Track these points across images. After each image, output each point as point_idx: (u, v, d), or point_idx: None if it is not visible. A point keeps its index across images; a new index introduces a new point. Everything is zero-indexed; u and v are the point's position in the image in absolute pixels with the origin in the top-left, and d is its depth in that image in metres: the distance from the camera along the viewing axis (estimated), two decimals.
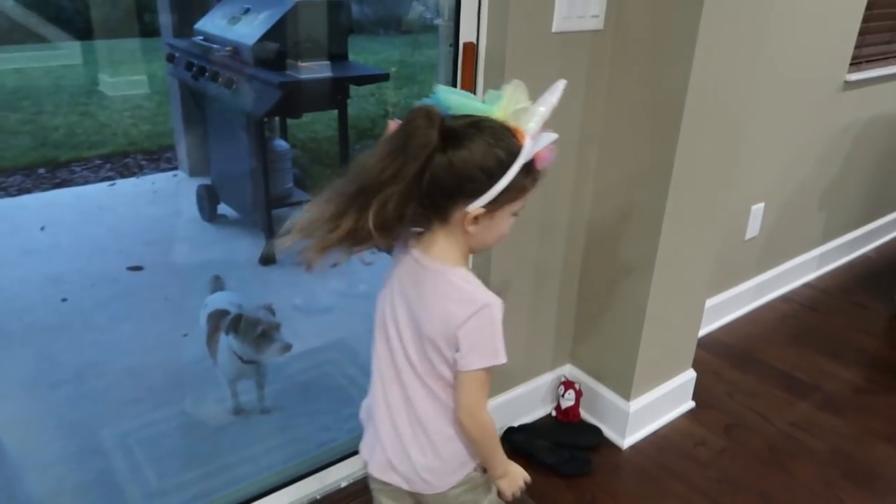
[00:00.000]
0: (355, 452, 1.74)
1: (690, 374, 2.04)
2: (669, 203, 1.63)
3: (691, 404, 2.08)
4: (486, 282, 1.55)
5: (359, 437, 1.76)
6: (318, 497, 1.67)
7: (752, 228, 2.43)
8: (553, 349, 1.94)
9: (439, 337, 1.02)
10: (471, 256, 1.09)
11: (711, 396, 2.13)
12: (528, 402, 1.95)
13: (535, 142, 0.96)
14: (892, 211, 3.24)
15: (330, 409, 2.00)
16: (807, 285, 2.85)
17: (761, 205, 2.41)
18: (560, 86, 0.98)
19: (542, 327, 1.88)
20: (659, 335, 1.82)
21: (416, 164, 0.92)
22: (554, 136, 0.99)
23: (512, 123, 0.96)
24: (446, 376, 1.05)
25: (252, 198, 2.87)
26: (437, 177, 0.94)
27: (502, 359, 1.02)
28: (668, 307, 1.81)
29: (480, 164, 0.94)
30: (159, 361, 2.11)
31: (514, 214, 1.02)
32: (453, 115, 0.97)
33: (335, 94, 2.77)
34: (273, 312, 1.94)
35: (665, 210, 1.63)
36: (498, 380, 1.86)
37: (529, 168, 0.97)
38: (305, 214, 0.96)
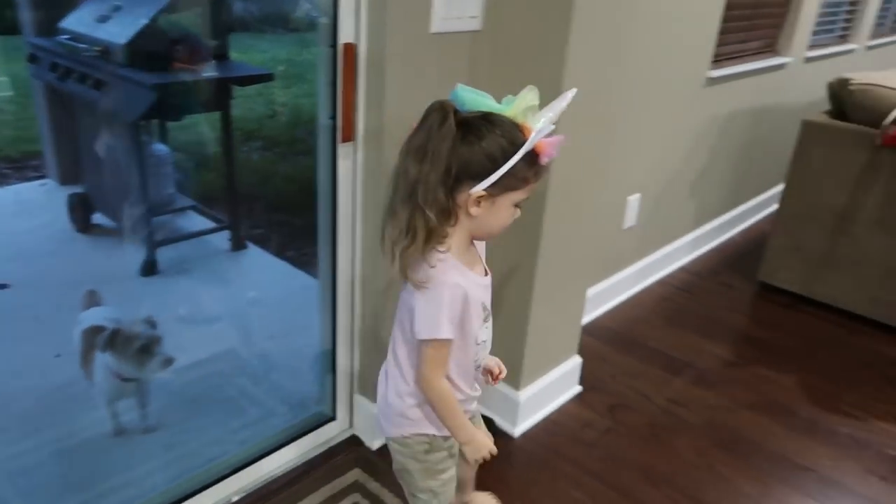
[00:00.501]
0: (249, 464, 1.71)
1: (577, 361, 2.13)
2: (549, 198, 1.69)
3: (578, 388, 2.17)
4: (378, 273, 1.54)
5: (251, 449, 1.72)
6: None
7: (630, 218, 2.56)
8: None
9: (405, 305, 1.18)
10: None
11: (597, 380, 2.24)
12: None
13: (537, 135, 1.06)
14: (753, 197, 3.51)
15: (219, 422, 1.94)
16: (681, 269, 3.04)
17: (637, 195, 2.55)
18: (569, 94, 1.10)
19: None
20: (545, 325, 1.89)
21: (442, 153, 1.03)
22: (553, 131, 1.08)
23: (520, 120, 1.08)
24: (410, 342, 1.19)
25: (130, 205, 2.73)
26: (450, 161, 1.04)
27: (442, 334, 1.12)
28: (552, 298, 1.88)
29: (486, 150, 1.06)
30: (29, 386, 1.97)
31: (517, 206, 1.12)
32: (468, 111, 1.08)
33: (216, 95, 2.68)
34: (154, 325, 1.85)
35: (545, 206, 1.69)
36: None
37: (533, 161, 1.08)
38: (387, 236, 1.11)
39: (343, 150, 1.58)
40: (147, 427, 1.91)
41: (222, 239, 2.78)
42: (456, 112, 1.05)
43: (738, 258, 3.17)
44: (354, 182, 1.63)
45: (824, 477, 1.88)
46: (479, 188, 1.07)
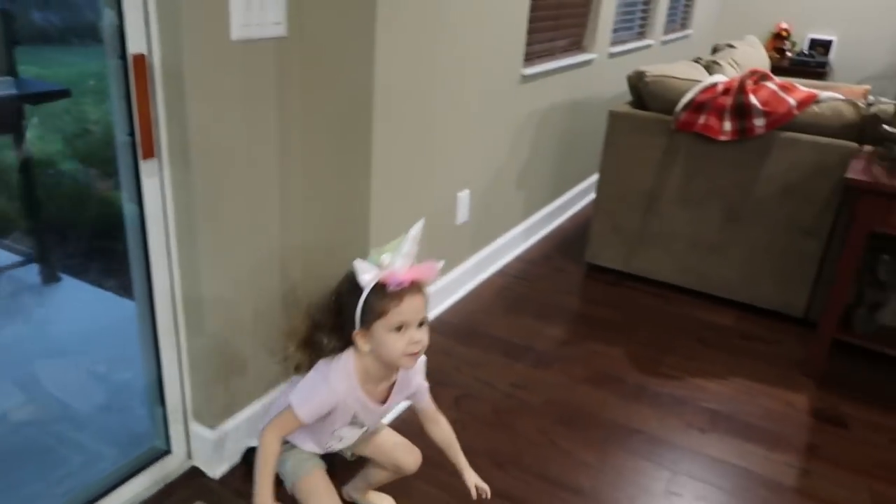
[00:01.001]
0: None
1: (421, 359, 2.15)
2: (374, 203, 1.70)
3: (425, 385, 2.20)
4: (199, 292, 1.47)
5: (76, 498, 1.58)
6: None
7: (462, 214, 2.64)
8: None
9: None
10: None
11: (442, 374, 2.28)
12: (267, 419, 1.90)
13: (374, 276, 1.29)
14: (575, 185, 3.75)
15: (36, 476, 1.76)
16: (516, 258, 3.19)
17: (466, 191, 2.63)
18: (413, 231, 1.32)
19: (269, 338, 1.85)
20: None
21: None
22: (392, 269, 1.29)
23: (377, 263, 1.31)
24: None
25: None
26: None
27: (300, 413, 1.35)
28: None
29: (341, 301, 1.37)
30: None
31: (398, 329, 1.30)
32: None
33: (4, 116, 2.42)
34: None
35: (370, 210, 1.70)
36: (233, 397, 1.79)
37: (383, 293, 1.29)
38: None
39: (146, 167, 1.49)
40: None
41: (31, 273, 2.52)
42: None
43: (567, 243, 3.38)
44: (164, 200, 1.54)
45: (652, 436, 2.05)
46: (357, 329, 1.33)
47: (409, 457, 1.60)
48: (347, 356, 1.38)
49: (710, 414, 2.16)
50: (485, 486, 1.55)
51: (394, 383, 1.45)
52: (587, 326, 2.66)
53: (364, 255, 1.75)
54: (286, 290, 1.84)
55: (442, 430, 1.61)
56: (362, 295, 1.30)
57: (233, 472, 1.81)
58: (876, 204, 2.12)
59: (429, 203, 2.40)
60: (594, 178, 3.85)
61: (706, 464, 1.95)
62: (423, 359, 1.50)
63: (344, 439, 1.48)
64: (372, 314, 1.30)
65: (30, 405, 1.99)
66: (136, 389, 1.87)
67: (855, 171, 2.17)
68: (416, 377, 1.52)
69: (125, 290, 2.59)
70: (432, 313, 2.63)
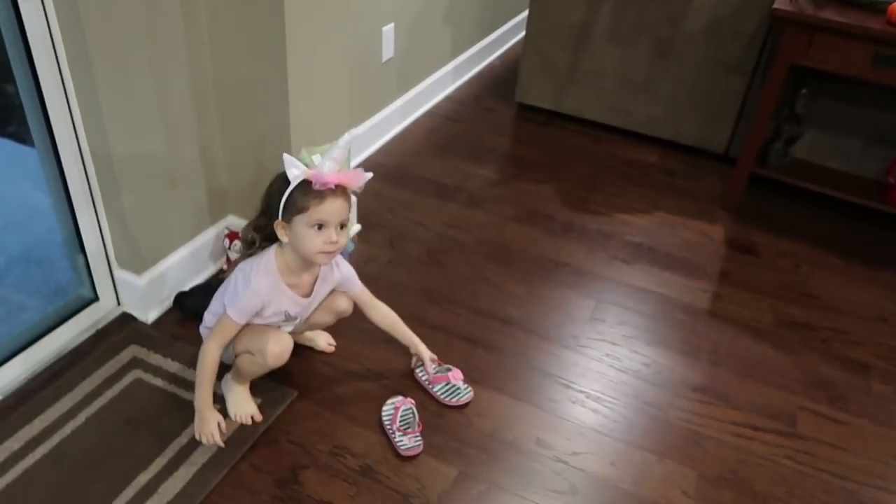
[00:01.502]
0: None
1: (351, 200, 2.13)
2: (290, 35, 1.58)
3: (358, 226, 2.20)
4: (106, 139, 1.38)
5: (1, 349, 1.52)
6: None
7: (387, 50, 2.51)
8: (208, 204, 1.86)
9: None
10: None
11: (374, 216, 2.28)
12: (195, 263, 1.87)
13: (301, 172, 1.32)
14: (506, 21, 3.60)
15: None
16: (447, 98, 3.10)
17: (391, 25, 2.48)
18: (345, 138, 1.34)
19: (192, 184, 1.77)
20: None
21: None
22: (320, 170, 1.32)
23: (308, 162, 1.34)
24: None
25: None
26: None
27: (234, 315, 1.43)
28: (313, 135, 1.82)
29: (269, 192, 1.40)
30: None
31: (319, 227, 1.35)
32: None
33: None
34: None
35: (285, 44, 1.58)
36: (158, 244, 1.74)
37: (307, 190, 1.32)
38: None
39: None
40: None
41: None
42: None
43: (498, 83, 3.30)
44: (49, 31, 1.38)
45: (579, 269, 2.15)
46: (279, 220, 1.38)
47: (343, 300, 1.62)
48: (268, 256, 1.44)
49: (633, 247, 2.27)
50: (434, 357, 1.65)
51: (317, 277, 1.50)
52: (517, 166, 2.67)
53: (282, 93, 1.67)
54: (200, 128, 1.74)
55: (381, 313, 1.65)
56: (288, 188, 1.34)
57: (166, 315, 1.80)
58: (799, 36, 2.13)
59: (352, 37, 2.26)
60: (525, 14, 3.70)
61: (628, 292, 2.07)
62: (346, 265, 1.59)
63: (285, 325, 1.53)
64: (294, 208, 1.35)
65: None
66: (55, 241, 1.78)
67: (781, 2, 2.16)
68: (337, 268, 1.55)
69: (30, 139, 2.40)
70: (361, 155, 2.58)
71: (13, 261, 1.93)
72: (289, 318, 1.51)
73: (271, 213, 1.39)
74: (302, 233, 1.37)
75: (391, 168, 2.56)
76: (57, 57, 1.42)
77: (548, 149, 2.80)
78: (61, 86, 1.46)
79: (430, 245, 2.19)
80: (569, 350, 1.84)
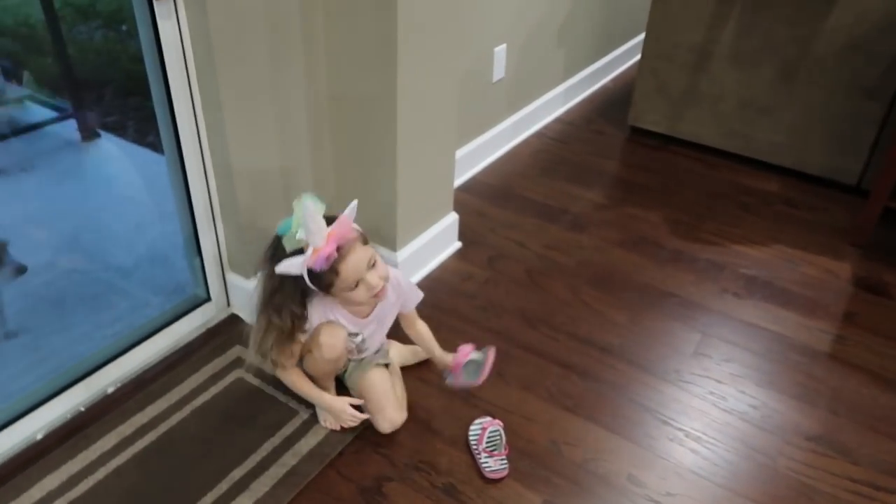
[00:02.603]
0: (121, 354, 1.66)
1: (453, 217, 2.15)
2: (402, 52, 1.62)
3: (458, 244, 2.21)
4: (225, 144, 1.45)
5: (122, 340, 1.67)
6: (83, 409, 1.58)
7: (498, 70, 2.52)
8: None
9: None
10: None
11: (476, 234, 2.28)
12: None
13: (300, 265, 1.31)
14: (621, 44, 3.53)
15: (87, 319, 1.85)
16: (556, 120, 3.07)
17: (503, 46, 2.50)
18: (306, 206, 1.27)
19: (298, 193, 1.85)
20: (414, 183, 1.87)
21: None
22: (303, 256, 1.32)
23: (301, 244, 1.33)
24: None
25: None
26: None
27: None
28: (419, 155, 1.85)
29: (285, 286, 1.41)
30: None
31: (357, 285, 1.35)
32: None
33: None
34: None
35: (397, 60, 1.62)
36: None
37: (318, 272, 1.32)
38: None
39: (161, 8, 1.42)
40: (7, 332, 1.80)
41: (70, 130, 2.53)
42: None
43: (610, 105, 3.23)
44: (181, 44, 1.49)
45: (686, 299, 2.04)
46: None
47: (394, 412, 1.57)
48: (320, 298, 1.45)
49: (747, 280, 2.13)
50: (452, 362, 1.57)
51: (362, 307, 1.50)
52: (625, 191, 2.60)
53: (391, 110, 1.71)
54: (314, 141, 1.81)
55: (418, 329, 1.62)
56: (304, 278, 1.34)
57: None
58: None
59: (464, 57, 2.29)
60: (642, 36, 3.61)
61: (738, 328, 1.94)
62: (401, 279, 1.54)
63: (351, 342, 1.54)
64: (322, 286, 1.37)
65: (78, 255, 2.07)
66: (177, 243, 1.91)
67: None
68: (398, 293, 1.53)
69: (162, 147, 2.60)
70: (467, 174, 2.59)
71: (141, 259, 2.09)
72: (353, 339, 1.51)
73: (302, 289, 1.40)
74: (345, 296, 1.39)
75: (496, 188, 2.56)
76: (187, 70, 1.53)
77: (659, 174, 2.70)
78: (190, 99, 1.56)
79: (529, 266, 2.16)
80: (670, 385, 1.75)
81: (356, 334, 1.53)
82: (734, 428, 1.63)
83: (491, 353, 1.54)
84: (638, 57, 2.90)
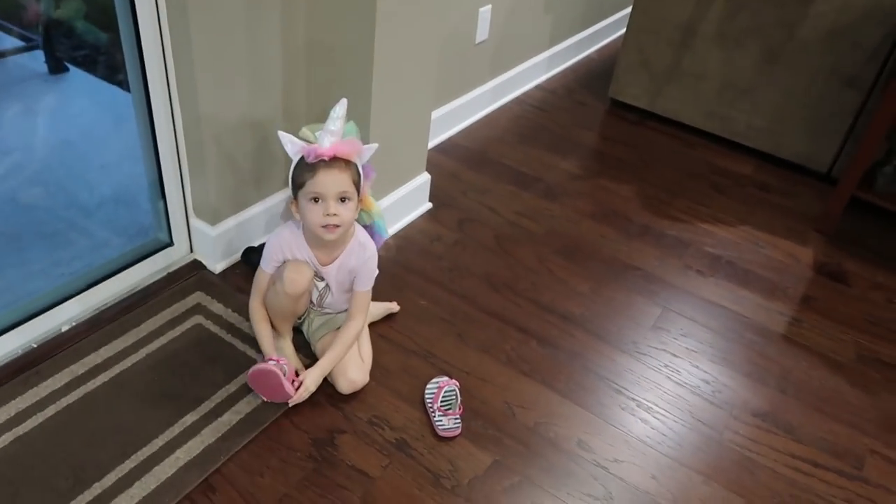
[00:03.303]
0: (76, 294, 1.64)
1: (425, 177, 2.13)
2: (381, 11, 1.58)
3: (429, 205, 2.20)
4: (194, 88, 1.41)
5: (80, 279, 1.64)
6: (35, 345, 1.56)
7: (482, 32, 2.49)
8: (285, 164, 1.90)
9: None
10: None
11: (448, 196, 2.27)
12: (267, 220, 1.92)
13: (298, 148, 1.40)
14: (611, 14, 3.49)
15: (44, 255, 1.81)
16: (537, 87, 3.05)
17: (489, 7, 2.45)
18: (338, 108, 1.38)
19: (271, 144, 1.82)
20: (387, 140, 1.84)
21: None
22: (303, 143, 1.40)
23: (309, 138, 1.41)
24: None
25: None
26: None
27: (262, 266, 1.54)
28: (394, 111, 1.82)
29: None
30: None
31: (315, 200, 1.39)
32: None
33: None
34: None
35: (376, 9, 1.58)
36: (233, 199, 1.80)
37: (304, 164, 1.38)
38: None
39: None
40: None
41: (38, 61, 2.45)
42: None
43: (593, 76, 3.21)
44: None
45: (650, 274, 2.06)
46: (291, 197, 1.46)
47: (356, 373, 1.55)
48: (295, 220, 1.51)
49: (711, 258, 2.16)
50: (304, 394, 1.49)
51: (343, 252, 1.52)
52: (601, 163, 2.60)
53: (367, 62, 1.68)
54: (286, 90, 1.77)
55: (343, 327, 1.55)
56: (291, 166, 1.41)
57: (233, 268, 1.86)
58: None
59: (447, 15, 2.25)
60: (630, 9, 3.58)
61: (699, 304, 1.97)
62: (372, 255, 1.55)
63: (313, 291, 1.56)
64: (295, 185, 1.41)
65: (39, 190, 2.02)
66: (142, 185, 1.87)
67: None
68: (361, 253, 1.53)
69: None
70: (444, 134, 2.57)
71: (105, 199, 2.05)
72: (317, 283, 1.54)
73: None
74: (304, 207, 1.41)
75: (471, 151, 2.54)
76: (157, 6, 1.48)
77: (635, 148, 2.71)
78: (159, 38, 1.52)
79: (499, 231, 2.16)
80: (626, 355, 1.78)
81: (321, 279, 1.53)
82: (684, 401, 1.67)
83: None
84: (624, 30, 2.88)
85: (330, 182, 1.37)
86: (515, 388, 1.64)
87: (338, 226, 1.41)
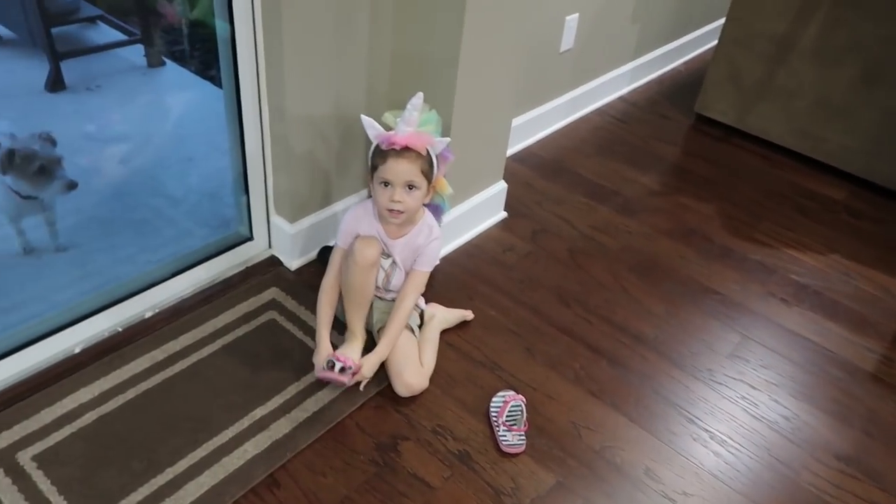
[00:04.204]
0: (163, 281, 1.70)
1: (501, 186, 2.12)
2: (469, 14, 1.57)
3: (503, 214, 2.18)
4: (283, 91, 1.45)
5: (164, 267, 1.70)
6: (120, 329, 1.62)
7: (567, 40, 2.45)
8: (366, 166, 1.92)
9: None
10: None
11: (522, 206, 2.24)
12: None
13: (376, 133, 1.47)
14: (700, 26, 3.38)
15: (132, 242, 1.90)
16: (620, 99, 2.98)
17: (576, 15, 2.41)
18: (415, 99, 1.43)
19: (354, 146, 1.84)
20: (467, 148, 1.84)
21: None
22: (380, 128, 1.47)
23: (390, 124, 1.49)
24: None
25: (27, 14, 2.46)
26: None
27: (337, 242, 1.60)
28: (475, 121, 1.81)
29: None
30: None
31: (385, 184, 1.47)
32: None
33: None
34: (53, 142, 1.74)
35: (464, 21, 1.57)
36: (314, 198, 1.83)
37: (379, 149, 1.47)
38: None
39: None
40: (57, 246, 1.86)
41: (137, 54, 2.57)
42: None
43: (678, 90, 3.12)
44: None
45: (729, 299, 1.98)
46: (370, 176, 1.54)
47: (413, 377, 1.55)
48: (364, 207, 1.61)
49: (796, 286, 2.06)
50: (364, 377, 1.54)
51: (409, 232, 1.58)
52: (682, 179, 2.52)
53: (452, 67, 1.67)
54: (370, 93, 1.79)
55: (395, 308, 1.58)
56: (371, 147, 1.50)
57: (308, 266, 1.89)
58: None
59: (534, 22, 2.22)
60: (722, 21, 3.46)
61: (781, 335, 1.88)
62: (437, 238, 1.59)
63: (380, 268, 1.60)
64: (371, 166, 1.51)
65: (131, 178, 2.12)
66: (228, 178, 1.93)
67: None
68: (424, 239, 1.58)
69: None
70: (521, 143, 2.54)
71: (191, 191, 2.13)
72: (384, 260, 1.59)
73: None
74: (375, 189, 1.51)
75: (549, 161, 2.51)
76: (253, 9, 1.52)
77: (719, 166, 2.61)
78: (252, 39, 1.55)
79: (572, 245, 2.12)
80: (701, 383, 1.71)
81: (388, 256, 1.58)
82: (761, 436, 1.59)
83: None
84: (714, 42, 2.78)
85: (399, 171, 1.45)
86: (583, 408, 1.60)
87: (401, 212, 1.48)
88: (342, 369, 1.47)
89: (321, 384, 1.54)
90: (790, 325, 1.92)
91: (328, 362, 1.48)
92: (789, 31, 2.49)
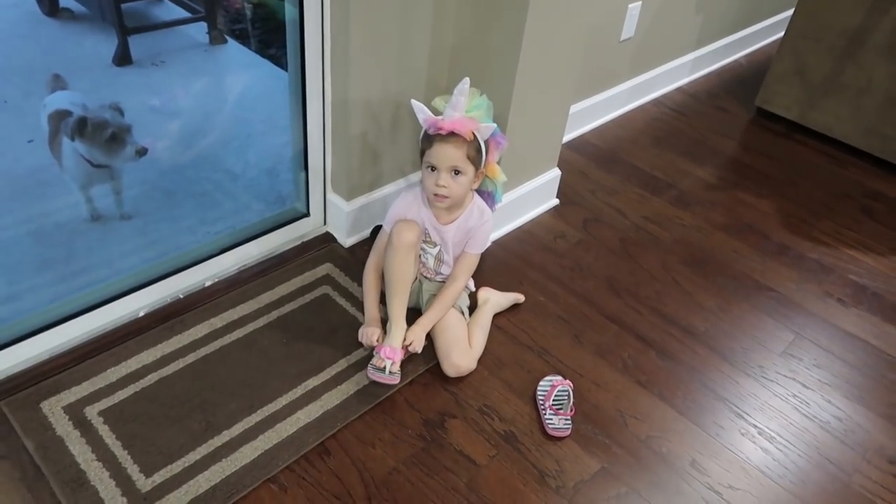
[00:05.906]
0: (219, 253, 1.75)
1: (555, 173, 2.11)
2: (532, 11, 1.57)
3: (556, 201, 2.18)
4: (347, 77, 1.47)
5: (223, 238, 1.75)
6: (181, 296, 1.68)
7: (628, 29, 2.42)
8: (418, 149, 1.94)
9: None
10: None
11: (575, 194, 2.24)
12: None
13: (424, 118, 1.49)
14: (764, 18, 3.29)
15: (194, 213, 1.96)
16: (678, 90, 2.93)
17: (638, 4, 2.38)
18: (462, 85, 1.44)
19: (412, 129, 1.86)
20: (524, 133, 1.84)
21: None
22: (430, 115, 1.49)
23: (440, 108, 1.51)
24: None
25: None
26: None
27: (385, 227, 1.62)
28: (533, 108, 1.81)
29: None
30: (1, 169, 1.96)
31: (431, 169, 1.50)
32: None
33: None
34: (121, 112, 1.80)
35: (527, 13, 1.57)
36: (371, 177, 1.86)
37: (427, 134, 1.50)
38: None
39: None
40: (123, 214, 1.93)
41: (200, 32, 2.63)
42: None
43: (739, 82, 3.05)
44: None
45: (785, 297, 1.95)
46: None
47: (460, 358, 1.57)
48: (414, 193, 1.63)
49: (855, 287, 2.01)
50: (416, 347, 1.55)
51: (460, 216, 1.60)
52: (739, 174, 2.47)
53: (514, 64, 1.68)
54: (429, 81, 1.80)
55: (445, 287, 1.62)
56: (421, 131, 1.52)
57: (361, 244, 1.92)
58: None
59: (594, 12, 2.20)
60: (789, 13, 3.36)
61: (836, 335, 1.84)
62: (489, 221, 1.62)
63: (426, 253, 1.64)
64: (420, 150, 1.53)
65: (193, 151, 2.18)
66: (286, 155, 1.98)
67: None
68: (479, 217, 1.60)
69: (284, 61, 2.67)
70: (576, 131, 2.53)
71: (250, 166, 2.18)
72: (429, 241, 1.61)
73: None
74: (423, 172, 1.53)
75: (604, 150, 2.49)
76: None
77: (780, 162, 2.55)
78: (320, 25, 1.58)
79: (624, 235, 2.10)
80: (751, 379, 1.69)
81: (435, 245, 1.60)
82: (812, 435, 1.57)
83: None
84: (779, 35, 2.71)
85: (444, 156, 1.47)
86: (630, 398, 1.60)
87: (446, 196, 1.50)
88: (391, 372, 1.50)
89: (371, 358, 1.57)
90: (847, 326, 1.87)
91: (372, 367, 1.51)
92: (862, 26, 2.41)
